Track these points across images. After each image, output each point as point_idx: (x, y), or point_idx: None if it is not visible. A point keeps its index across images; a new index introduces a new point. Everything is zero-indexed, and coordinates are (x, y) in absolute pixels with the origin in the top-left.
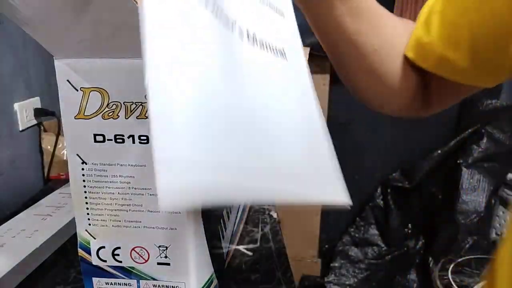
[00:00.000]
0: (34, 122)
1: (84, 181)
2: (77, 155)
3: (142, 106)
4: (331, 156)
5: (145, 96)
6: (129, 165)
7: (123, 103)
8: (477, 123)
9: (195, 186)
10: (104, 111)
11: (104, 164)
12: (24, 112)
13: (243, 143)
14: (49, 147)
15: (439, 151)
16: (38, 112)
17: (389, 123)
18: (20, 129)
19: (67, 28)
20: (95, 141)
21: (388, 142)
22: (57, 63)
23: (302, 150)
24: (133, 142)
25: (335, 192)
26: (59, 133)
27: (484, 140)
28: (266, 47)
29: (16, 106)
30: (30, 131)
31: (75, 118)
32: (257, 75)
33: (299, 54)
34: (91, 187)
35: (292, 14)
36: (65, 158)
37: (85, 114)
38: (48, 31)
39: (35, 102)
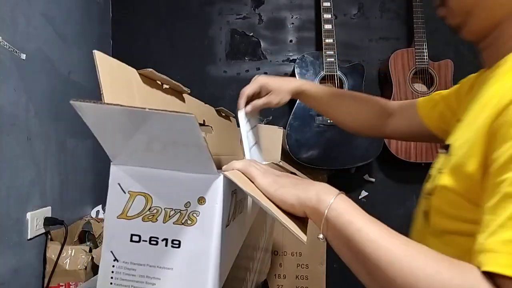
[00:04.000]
0: (42, 230)
1: (112, 277)
2: (111, 252)
3: (180, 213)
4: None
5: (184, 205)
6: (157, 266)
7: (164, 208)
8: None
9: None
10: (145, 214)
11: (134, 264)
12: (35, 221)
13: None
14: (53, 256)
15: None
16: (47, 221)
17: None
18: (28, 237)
19: (128, 141)
20: (131, 240)
21: None
22: (113, 168)
23: None
24: (166, 245)
25: None
26: (65, 242)
27: None
28: None
29: (28, 215)
30: (37, 239)
31: (117, 218)
32: None
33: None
34: (117, 284)
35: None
36: (67, 268)
37: (127, 215)
38: (109, 139)
39: (47, 211)
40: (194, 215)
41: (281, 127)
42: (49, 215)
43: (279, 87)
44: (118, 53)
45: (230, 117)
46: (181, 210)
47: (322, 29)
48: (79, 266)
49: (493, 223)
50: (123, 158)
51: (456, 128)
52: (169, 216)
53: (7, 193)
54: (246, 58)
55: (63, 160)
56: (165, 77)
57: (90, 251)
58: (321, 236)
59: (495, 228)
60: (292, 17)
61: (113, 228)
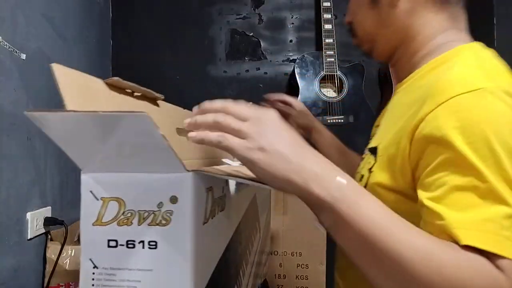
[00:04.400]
0: (42, 230)
1: (93, 285)
2: (90, 259)
3: (154, 214)
4: None
5: (157, 206)
6: (137, 269)
7: (137, 211)
8: None
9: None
10: (120, 218)
11: (114, 269)
12: (35, 221)
13: None
14: (53, 256)
15: None
16: (47, 221)
17: None
18: (28, 237)
19: (95, 148)
20: (108, 246)
21: None
22: (83, 177)
23: None
24: (143, 247)
25: None
26: (65, 242)
27: None
28: None
29: (28, 215)
30: (37, 239)
31: (93, 225)
32: None
33: None
34: None
35: None
36: (67, 268)
37: (102, 221)
38: (78, 149)
39: (47, 211)
40: (168, 214)
41: None
42: (49, 215)
43: (305, 111)
44: (118, 53)
45: None
46: (154, 211)
47: (322, 29)
48: (79, 266)
49: (449, 210)
50: (92, 165)
51: (376, 132)
52: (143, 218)
53: (7, 193)
54: (246, 58)
55: (63, 160)
56: (133, 84)
57: None
58: (318, 225)
59: (454, 212)
60: (292, 17)
61: (90, 235)
